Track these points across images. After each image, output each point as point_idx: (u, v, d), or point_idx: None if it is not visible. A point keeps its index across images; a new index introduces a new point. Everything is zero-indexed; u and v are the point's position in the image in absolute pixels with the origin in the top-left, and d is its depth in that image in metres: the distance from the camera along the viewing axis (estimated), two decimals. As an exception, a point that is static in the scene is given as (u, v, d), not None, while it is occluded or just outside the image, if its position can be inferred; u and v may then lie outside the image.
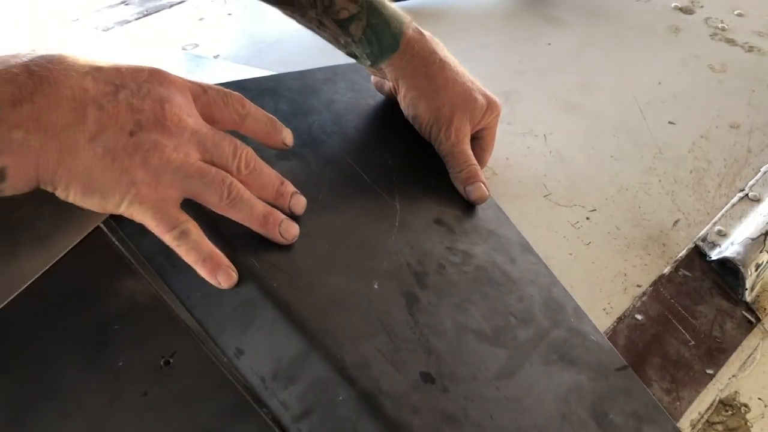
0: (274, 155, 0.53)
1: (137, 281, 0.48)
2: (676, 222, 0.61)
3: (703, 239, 0.59)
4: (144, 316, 0.47)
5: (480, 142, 0.60)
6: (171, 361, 0.47)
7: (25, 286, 0.45)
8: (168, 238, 0.42)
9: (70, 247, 0.46)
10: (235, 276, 0.44)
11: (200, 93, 0.44)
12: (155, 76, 0.42)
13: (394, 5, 0.57)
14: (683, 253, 0.58)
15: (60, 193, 0.40)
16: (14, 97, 0.36)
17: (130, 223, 0.48)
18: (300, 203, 0.48)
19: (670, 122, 0.71)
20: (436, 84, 0.57)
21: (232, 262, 0.45)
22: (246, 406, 0.46)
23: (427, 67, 0.57)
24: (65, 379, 0.45)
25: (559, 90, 0.74)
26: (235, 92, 0.47)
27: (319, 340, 0.43)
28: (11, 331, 0.45)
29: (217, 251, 0.44)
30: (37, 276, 0.45)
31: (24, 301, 0.44)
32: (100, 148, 0.39)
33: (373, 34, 0.55)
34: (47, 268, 0.45)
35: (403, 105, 0.59)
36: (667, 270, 0.57)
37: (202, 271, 0.43)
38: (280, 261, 0.46)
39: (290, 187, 0.48)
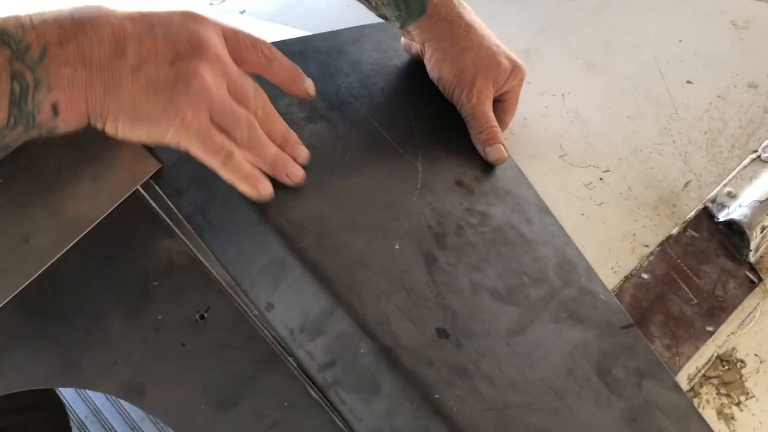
0: (303, 118, 0.55)
1: (174, 241, 0.52)
2: (687, 183, 0.63)
3: (713, 201, 0.61)
4: (180, 273, 0.51)
5: (503, 104, 0.62)
6: (206, 315, 0.51)
7: (73, 242, 0.48)
8: (215, 162, 0.45)
9: (111, 209, 0.49)
10: (272, 189, 0.48)
11: (230, 34, 0.46)
12: (189, 15, 0.44)
13: None
14: (692, 214, 0.61)
15: (109, 127, 0.42)
16: (60, 37, 0.39)
17: (169, 182, 0.52)
18: (303, 153, 0.51)
19: (688, 81, 0.72)
20: (460, 47, 0.58)
21: (263, 222, 0.48)
22: (275, 357, 0.50)
23: (453, 31, 0.58)
24: (112, 329, 0.49)
25: (580, 48, 0.75)
26: (262, 38, 0.49)
27: (344, 297, 0.46)
28: (64, 283, 0.49)
29: (256, 170, 0.47)
30: (84, 233, 0.48)
31: (74, 257, 0.48)
32: (143, 79, 0.41)
33: None
34: (92, 226, 0.49)
35: (428, 67, 0.61)
36: (675, 230, 0.59)
37: (246, 188, 0.47)
38: (308, 222, 0.49)
39: (295, 136, 0.51)
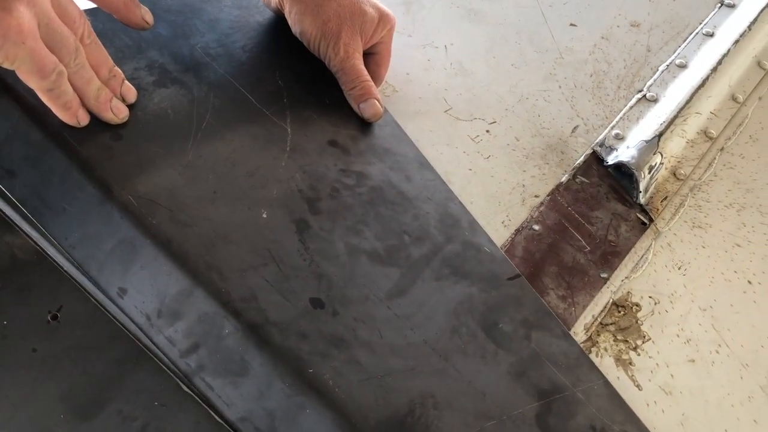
0: (152, 83, 0.50)
1: (15, 235, 0.46)
2: (575, 129, 0.61)
3: (601, 144, 0.60)
4: (26, 271, 0.46)
5: (375, 57, 0.58)
6: (58, 315, 0.45)
7: None
8: (43, 85, 0.43)
9: None
10: (89, 118, 0.46)
11: None
12: None
13: None
14: (581, 159, 0.59)
15: None
16: None
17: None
18: (131, 91, 0.48)
19: (571, 24, 0.70)
20: None
21: (107, 200, 0.43)
22: (140, 353, 0.45)
23: None
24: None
25: (461, -4, 0.72)
26: None
27: (203, 275, 0.42)
28: None
29: (77, 97, 0.45)
30: None
31: None
32: None
33: None
34: None
35: (290, 22, 0.56)
36: (564, 178, 0.57)
37: (66, 116, 0.45)
38: (159, 196, 0.44)
39: (122, 74, 0.48)
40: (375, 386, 0.41)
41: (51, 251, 0.47)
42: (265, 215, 0.46)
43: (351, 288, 0.44)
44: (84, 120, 0.46)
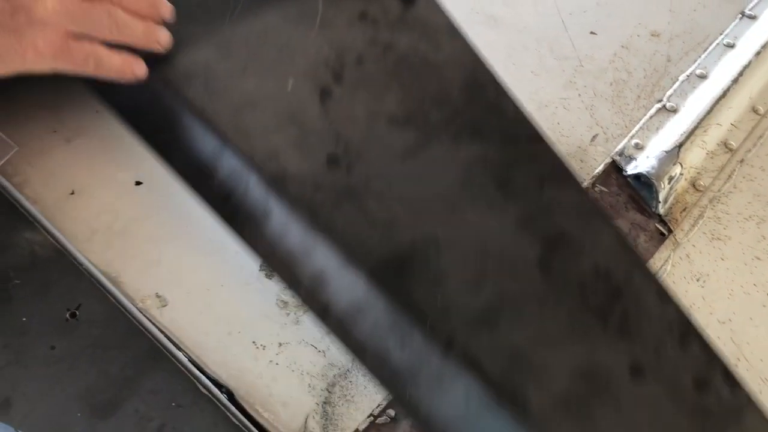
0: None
1: (35, 233, 0.47)
2: (594, 137, 0.61)
3: (620, 153, 0.60)
4: (45, 268, 0.47)
5: None
6: (77, 313, 0.46)
7: None
8: (87, 71, 0.43)
9: None
10: (145, 66, 0.46)
11: None
12: None
13: None
14: (600, 168, 0.59)
15: None
16: None
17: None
18: (168, 8, 0.48)
19: (592, 32, 0.69)
20: None
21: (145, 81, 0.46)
22: (158, 353, 0.45)
23: None
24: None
25: (480, 2, 0.72)
26: None
27: (231, 137, 0.44)
28: None
29: (128, 56, 0.45)
30: None
31: None
32: None
33: None
34: None
35: None
36: (583, 186, 0.57)
37: (123, 78, 0.45)
38: (195, 71, 0.47)
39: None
40: (381, 229, 0.43)
41: (71, 248, 0.47)
42: (290, 85, 0.48)
43: (367, 147, 0.46)
44: (141, 73, 0.45)
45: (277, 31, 0.50)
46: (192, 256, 0.49)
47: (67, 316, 0.46)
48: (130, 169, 0.51)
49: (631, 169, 0.58)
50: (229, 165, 0.45)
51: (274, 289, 0.49)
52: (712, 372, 0.45)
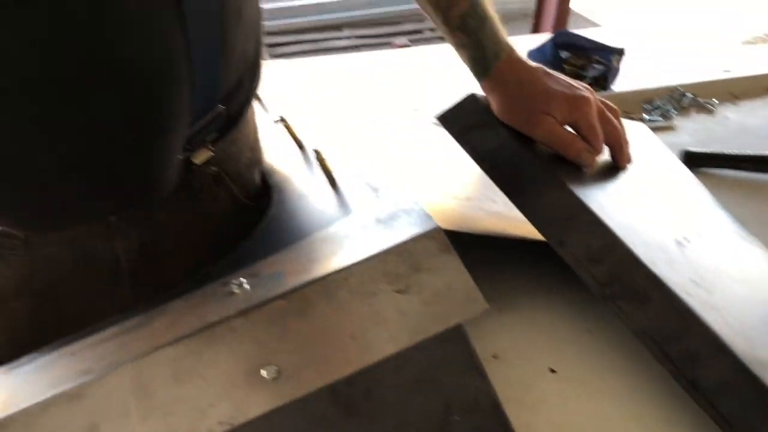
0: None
1: (482, 383, 0.50)
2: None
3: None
4: (482, 416, 0.49)
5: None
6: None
7: (382, 358, 0.47)
8: (570, 156, 0.61)
9: (434, 333, 0.49)
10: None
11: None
12: None
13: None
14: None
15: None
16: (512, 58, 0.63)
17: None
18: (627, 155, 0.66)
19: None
20: None
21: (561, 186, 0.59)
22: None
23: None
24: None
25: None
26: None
27: (621, 236, 0.55)
28: (375, 385, 0.48)
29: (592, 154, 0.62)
30: (396, 351, 0.48)
31: (378, 373, 0.47)
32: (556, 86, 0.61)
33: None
34: (408, 346, 0.48)
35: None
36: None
37: (586, 165, 0.62)
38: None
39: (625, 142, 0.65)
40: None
41: (505, 407, 0.49)
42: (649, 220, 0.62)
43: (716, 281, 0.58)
44: (591, 165, 0.61)
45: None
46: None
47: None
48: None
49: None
50: (617, 257, 0.54)
51: None
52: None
